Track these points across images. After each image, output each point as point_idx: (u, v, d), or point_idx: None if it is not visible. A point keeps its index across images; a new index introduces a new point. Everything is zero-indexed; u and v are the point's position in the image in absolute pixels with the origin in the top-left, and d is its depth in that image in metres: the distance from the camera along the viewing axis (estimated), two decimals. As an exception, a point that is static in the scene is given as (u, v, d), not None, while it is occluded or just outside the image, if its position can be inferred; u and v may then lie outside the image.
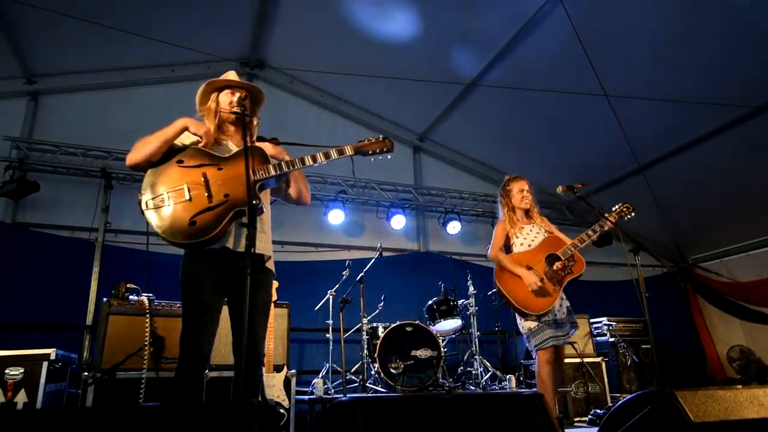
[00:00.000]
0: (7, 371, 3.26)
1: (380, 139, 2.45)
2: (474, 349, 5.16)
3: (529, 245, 3.56)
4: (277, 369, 3.99)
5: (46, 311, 4.85)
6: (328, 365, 4.91)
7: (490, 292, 5.43)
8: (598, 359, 5.39)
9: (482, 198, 7.13)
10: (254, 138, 2.49)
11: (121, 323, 3.73)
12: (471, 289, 5.28)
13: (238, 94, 2.43)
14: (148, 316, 3.75)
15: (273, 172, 2.27)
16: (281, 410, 3.83)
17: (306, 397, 4.23)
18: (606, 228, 3.51)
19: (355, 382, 4.83)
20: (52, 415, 1.30)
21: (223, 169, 2.28)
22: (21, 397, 3.25)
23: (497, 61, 5.58)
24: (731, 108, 5.30)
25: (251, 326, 2.09)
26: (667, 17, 4.66)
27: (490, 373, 5.08)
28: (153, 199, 2.18)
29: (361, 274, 4.76)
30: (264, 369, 3.84)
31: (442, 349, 4.70)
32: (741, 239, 7.26)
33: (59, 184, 5.46)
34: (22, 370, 3.29)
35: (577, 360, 5.28)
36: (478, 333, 5.23)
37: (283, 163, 2.33)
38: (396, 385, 4.50)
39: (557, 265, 3.37)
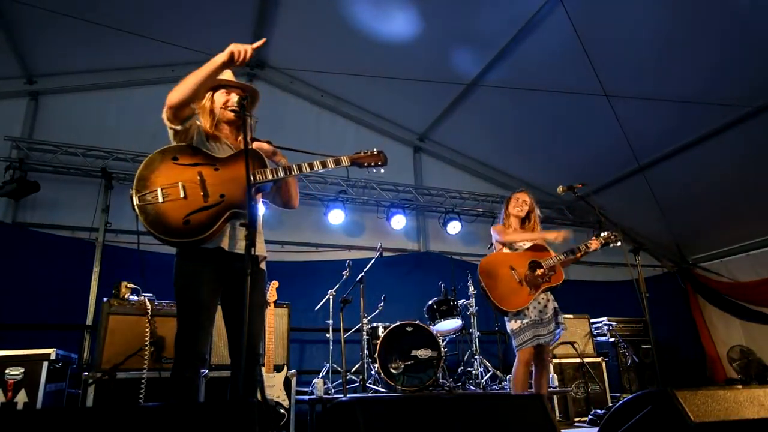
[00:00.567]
0: (7, 371, 3.26)
1: (375, 153, 2.50)
2: (474, 349, 5.16)
3: (516, 249, 3.78)
4: (278, 369, 3.99)
5: (46, 311, 4.85)
6: (328, 365, 4.91)
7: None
8: (599, 359, 5.39)
9: (482, 198, 7.13)
10: (252, 138, 2.49)
11: (121, 323, 3.74)
12: (471, 289, 5.29)
13: (234, 94, 2.43)
14: (148, 316, 3.75)
15: (270, 177, 2.28)
16: (281, 410, 3.83)
17: (306, 397, 4.23)
18: (591, 249, 3.72)
19: (356, 382, 4.83)
20: (52, 415, 1.30)
21: (219, 170, 2.27)
22: (21, 397, 3.25)
23: (497, 61, 5.58)
24: (731, 108, 5.30)
25: (249, 326, 2.09)
26: (668, 17, 4.66)
27: (490, 373, 5.08)
28: (146, 195, 2.15)
29: (362, 274, 4.76)
30: (264, 369, 3.85)
31: (442, 349, 4.70)
32: (741, 239, 7.26)
33: (59, 184, 5.46)
34: (22, 370, 3.29)
35: (578, 360, 5.29)
36: (479, 333, 5.23)
37: (281, 168, 2.34)
38: (396, 385, 4.51)
39: (538, 271, 3.62)
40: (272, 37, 6.05)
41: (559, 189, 3.76)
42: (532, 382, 3.68)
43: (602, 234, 3.76)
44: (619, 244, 3.73)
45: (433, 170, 7.43)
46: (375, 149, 2.52)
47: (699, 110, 5.34)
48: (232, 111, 2.39)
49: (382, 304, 5.16)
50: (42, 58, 5.50)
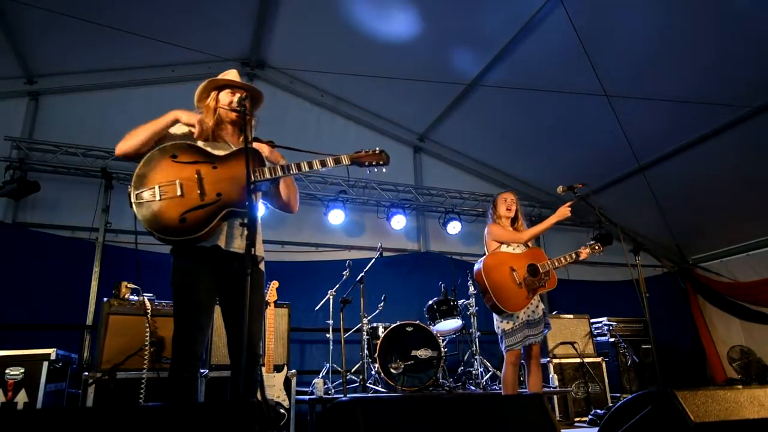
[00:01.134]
0: (7, 371, 3.26)
1: (377, 152, 2.44)
2: (474, 349, 5.16)
3: (514, 249, 3.82)
4: (278, 369, 3.99)
5: (46, 311, 4.85)
6: (328, 365, 4.91)
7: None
8: (599, 359, 5.39)
9: (482, 198, 7.13)
10: (251, 138, 2.49)
11: (121, 323, 3.74)
12: (471, 289, 5.28)
13: (238, 94, 2.43)
14: (148, 316, 3.75)
15: (269, 176, 2.26)
16: (281, 410, 3.83)
17: (306, 397, 4.23)
18: (581, 258, 3.81)
19: (356, 382, 4.84)
20: (52, 415, 1.30)
21: (217, 168, 2.27)
22: (21, 397, 3.25)
23: (497, 61, 5.58)
24: (731, 108, 5.30)
25: (249, 326, 2.09)
26: (668, 17, 4.66)
27: (490, 373, 5.08)
28: (144, 192, 2.15)
29: (362, 274, 4.77)
30: (264, 369, 3.85)
31: (442, 349, 4.70)
32: (741, 239, 7.26)
33: (60, 184, 5.46)
34: (22, 370, 3.29)
35: (578, 360, 5.29)
36: (479, 333, 5.23)
37: (279, 167, 2.31)
38: (396, 385, 4.51)
39: (537, 275, 3.69)
40: (272, 37, 6.06)
41: (559, 189, 3.78)
42: (526, 381, 3.73)
43: (589, 243, 3.91)
44: (601, 253, 3.88)
45: (433, 170, 7.43)
46: (377, 148, 2.46)
47: (699, 110, 5.34)
48: (232, 110, 2.39)
49: (382, 304, 5.16)
50: (42, 58, 5.50)
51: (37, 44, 5.31)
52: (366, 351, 4.80)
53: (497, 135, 7.01)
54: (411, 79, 5.81)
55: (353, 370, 4.93)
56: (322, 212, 6.33)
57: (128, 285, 3.93)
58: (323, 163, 2.35)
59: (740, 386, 2.05)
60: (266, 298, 3.87)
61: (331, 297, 5.00)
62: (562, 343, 5.36)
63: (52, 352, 3.41)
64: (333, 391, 4.58)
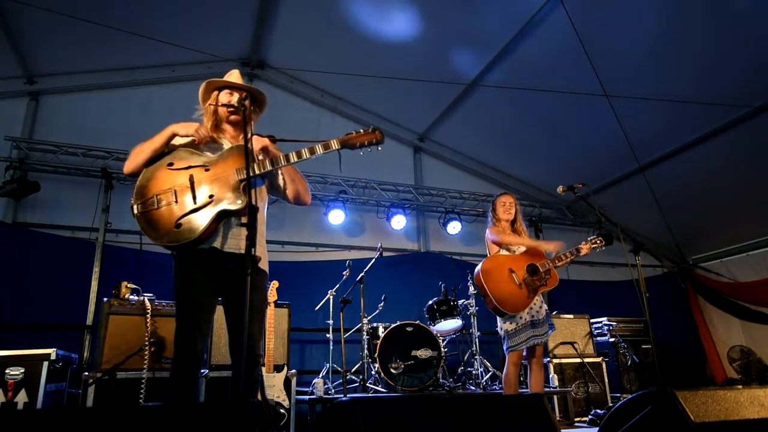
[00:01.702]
0: (7, 371, 3.26)
1: (369, 131, 2.36)
2: (474, 349, 5.16)
3: (513, 251, 3.83)
4: (278, 369, 3.99)
5: (46, 311, 4.85)
6: (328, 365, 4.91)
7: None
8: (599, 359, 5.39)
9: (482, 198, 7.13)
10: (249, 137, 2.48)
11: (121, 323, 3.74)
12: (471, 289, 5.28)
13: (237, 94, 2.42)
14: (148, 316, 3.75)
15: (258, 171, 2.26)
16: (281, 410, 3.83)
17: (306, 397, 4.23)
18: (581, 254, 3.77)
19: (356, 382, 4.84)
20: (52, 415, 1.30)
21: (209, 170, 2.28)
22: (21, 397, 3.25)
23: (497, 61, 5.58)
24: (731, 108, 5.30)
25: (248, 327, 2.09)
26: (668, 17, 4.66)
27: (490, 373, 5.08)
28: (143, 202, 2.22)
29: (362, 274, 4.76)
30: (264, 369, 3.85)
31: (442, 349, 4.70)
32: (741, 239, 7.26)
33: (60, 184, 5.46)
34: (22, 370, 3.30)
35: (578, 360, 5.29)
36: (479, 333, 5.23)
37: (267, 160, 2.30)
38: (396, 385, 4.50)
39: (536, 275, 3.67)
40: (272, 37, 6.06)
41: (559, 189, 3.77)
42: (529, 381, 3.73)
43: (590, 238, 3.86)
44: (604, 248, 3.83)
45: (433, 170, 7.43)
46: (370, 126, 2.38)
47: (699, 110, 5.34)
48: (224, 105, 2.39)
49: (382, 304, 5.15)
50: (42, 58, 5.50)
51: (37, 44, 5.31)
52: (366, 351, 4.80)
53: (497, 135, 7.01)
54: (411, 79, 5.81)
55: (353, 370, 4.93)
56: (322, 212, 6.33)
57: (128, 285, 3.93)
58: (312, 151, 2.30)
59: (740, 386, 2.05)
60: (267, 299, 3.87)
61: (331, 297, 5.00)
62: (562, 343, 5.36)
63: (52, 352, 3.41)
64: (333, 391, 4.58)
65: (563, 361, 5.25)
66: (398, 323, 4.73)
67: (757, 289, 7.01)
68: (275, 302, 4.13)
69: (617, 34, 4.92)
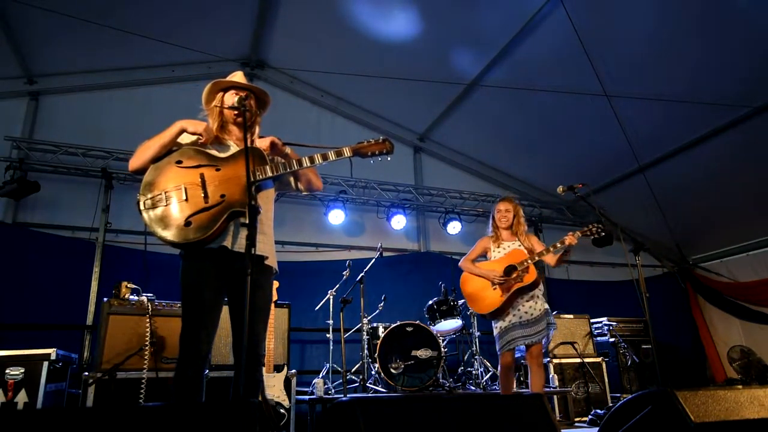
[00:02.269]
0: (7, 371, 3.26)
1: (380, 141, 2.41)
2: (474, 349, 5.16)
3: (496, 256, 3.92)
4: (278, 369, 3.99)
5: (46, 311, 4.85)
6: (328, 365, 4.91)
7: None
8: (599, 359, 5.39)
9: (482, 198, 7.13)
10: (255, 137, 2.49)
11: (121, 323, 3.74)
12: (471, 289, 5.28)
13: (240, 94, 2.42)
14: (148, 316, 3.75)
15: (270, 173, 2.27)
16: (281, 410, 3.83)
17: (306, 397, 4.23)
18: (567, 243, 3.71)
19: (356, 382, 4.84)
20: (52, 415, 1.30)
21: (221, 170, 2.28)
22: (21, 397, 3.25)
23: (498, 61, 5.58)
24: (731, 108, 5.30)
25: (251, 327, 2.08)
26: (668, 17, 4.66)
27: (490, 373, 5.08)
28: (151, 199, 2.19)
29: (362, 274, 4.76)
30: (264, 369, 3.85)
31: (442, 349, 4.70)
32: (741, 239, 7.26)
33: (60, 184, 5.46)
34: (22, 370, 3.29)
35: (578, 360, 5.29)
36: (479, 333, 5.23)
37: (280, 165, 2.32)
38: (396, 385, 4.51)
39: (513, 274, 3.70)
40: (272, 37, 6.06)
41: (559, 189, 3.77)
42: (529, 381, 3.75)
43: (581, 229, 3.80)
44: (603, 234, 3.77)
45: (433, 170, 7.43)
46: (380, 137, 2.42)
47: (699, 110, 5.34)
48: (231, 108, 2.39)
49: (382, 304, 5.16)
50: (42, 58, 5.50)
51: (37, 44, 5.31)
52: (366, 351, 4.80)
53: (497, 135, 7.01)
54: (411, 79, 5.81)
55: (353, 370, 4.93)
56: (322, 212, 6.33)
57: (128, 285, 3.93)
58: (324, 157, 2.34)
59: (740, 386, 2.05)
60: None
61: (331, 297, 5.00)
62: (562, 343, 5.36)
63: (52, 352, 3.41)
64: (333, 391, 4.58)
65: (563, 361, 5.25)
66: (398, 323, 4.73)
67: (757, 289, 7.01)
68: (275, 302, 4.12)
69: (617, 34, 4.92)
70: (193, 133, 2.33)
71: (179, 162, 2.28)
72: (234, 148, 2.41)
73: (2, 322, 4.58)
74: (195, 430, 1.35)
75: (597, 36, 4.88)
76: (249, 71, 6.46)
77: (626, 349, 5.74)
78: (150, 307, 3.80)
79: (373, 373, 4.72)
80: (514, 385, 3.78)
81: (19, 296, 4.81)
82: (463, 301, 5.29)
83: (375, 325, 4.89)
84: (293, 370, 4.12)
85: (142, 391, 3.55)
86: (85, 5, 4.87)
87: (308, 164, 2.33)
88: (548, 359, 5.18)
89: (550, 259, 3.77)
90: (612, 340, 5.90)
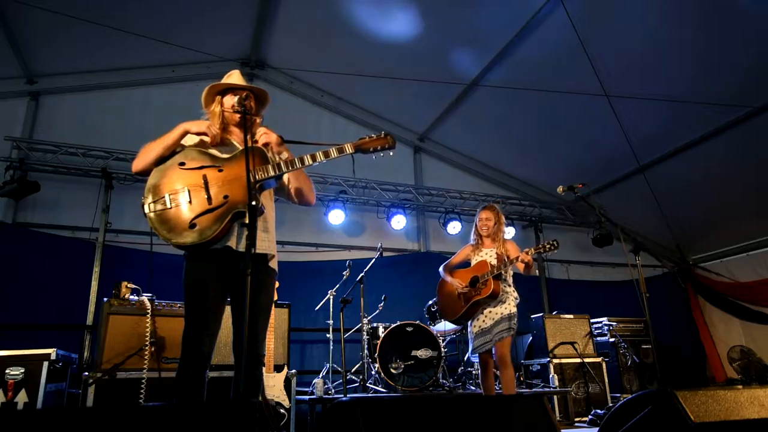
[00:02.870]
0: (7, 371, 3.26)
1: (381, 136, 2.38)
2: (469, 349, 5.15)
3: (473, 263, 3.99)
4: (278, 369, 3.99)
5: (46, 311, 4.85)
6: (328, 365, 4.91)
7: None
8: (599, 359, 5.39)
9: (482, 198, 7.13)
10: (252, 138, 2.48)
11: (121, 323, 3.73)
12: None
13: (240, 95, 2.42)
14: (149, 316, 3.75)
15: (272, 173, 2.26)
16: (281, 410, 3.83)
17: (306, 397, 4.23)
18: (520, 260, 3.67)
19: (356, 382, 4.84)
20: (52, 415, 1.30)
21: (223, 171, 2.28)
22: (21, 397, 3.25)
23: (498, 61, 5.58)
24: (731, 108, 5.30)
25: (252, 326, 2.08)
26: (668, 17, 4.66)
27: (490, 374, 5.07)
28: (155, 202, 2.19)
29: (362, 274, 4.76)
30: (264, 369, 3.84)
31: (442, 349, 4.70)
32: (741, 239, 7.26)
33: (60, 184, 5.46)
34: (22, 370, 3.29)
35: (578, 360, 5.29)
36: (479, 333, 5.22)
37: (282, 163, 2.30)
38: (396, 386, 4.51)
39: (478, 286, 3.81)
40: (272, 37, 6.06)
41: (559, 189, 3.77)
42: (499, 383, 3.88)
43: (542, 244, 3.77)
44: (551, 251, 3.74)
45: (433, 170, 7.43)
46: (382, 132, 2.40)
47: (699, 110, 5.34)
48: (235, 112, 2.38)
49: (382, 304, 5.15)
50: (42, 58, 5.50)
51: (37, 44, 5.31)
52: (366, 351, 4.80)
53: (497, 135, 7.01)
54: (411, 79, 5.81)
55: (353, 370, 4.93)
56: (322, 212, 6.33)
57: (128, 285, 3.93)
58: (326, 154, 2.31)
59: (740, 386, 2.05)
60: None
61: (331, 297, 4.99)
62: (562, 343, 5.36)
63: (52, 352, 3.41)
64: (333, 391, 4.58)
65: (563, 361, 5.25)
66: (398, 323, 4.73)
67: (757, 289, 7.01)
68: (275, 302, 4.12)
69: (617, 34, 4.92)
70: (198, 133, 2.32)
71: (182, 164, 2.28)
72: (237, 148, 2.41)
73: (2, 322, 4.58)
74: (195, 430, 1.35)
75: (597, 36, 4.88)
76: (249, 71, 6.47)
77: (626, 349, 5.74)
78: (150, 307, 3.80)
79: (373, 373, 4.72)
80: (494, 384, 3.90)
81: (19, 296, 4.81)
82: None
83: (375, 325, 4.89)
84: (293, 370, 4.11)
85: (142, 391, 3.55)
86: (85, 5, 4.87)
87: (310, 162, 2.32)
88: (548, 359, 5.18)
89: (519, 266, 3.79)
90: (612, 340, 5.90)
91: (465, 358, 5.39)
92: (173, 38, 5.49)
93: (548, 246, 3.67)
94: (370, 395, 4.50)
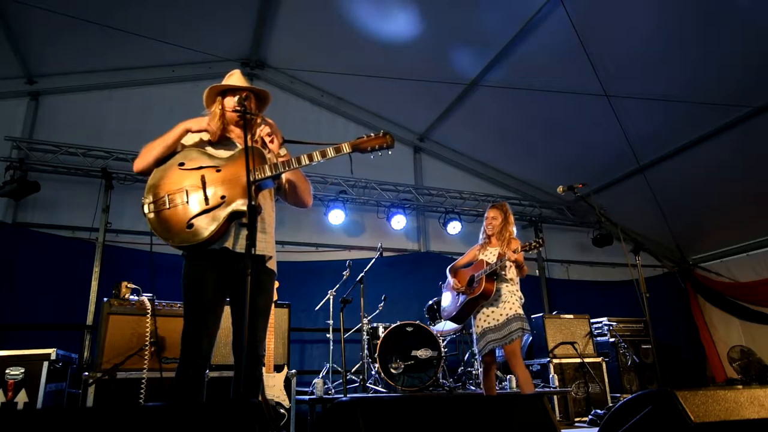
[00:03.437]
0: (7, 371, 3.26)
1: (380, 135, 2.35)
2: (474, 349, 5.15)
3: (474, 262, 3.98)
4: (278, 369, 3.99)
5: (46, 311, 4.86)
6: (328, 365, 4.91)
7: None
8: (599, 359, 5.39)
9: (482, 198, 7.13)
10: (251, 139, 2.47)
11: (121, 323, 3.73)
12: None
13: (239, 95, 2.41)
14: (149, 316, 3.75)
15: (269, 173, 2.25)
16: (281, 410, 3.83)
17: (306, 397, 4.23)
18: (507, 258, 3.65)
19: (356, 382, 4.84)
20: (52, 415, 1.30)
21: (221, 171, 2.28)
22: (21, 397, 3.25)
23: (498, 61, 5.58)
24: (731, 108, 5.30)
25: (251, 327, 2.08)
26: (668, 17, 4.66)
27: (490, 374, 5.08)
28: (154, 202, 2.20)
29: (362, 274, 4.76)
30: (264, 369, 3.84)
31: (442, 349, 4.70)
32: (741, 239, 7.26)
33: (60, 184, 5.46)
34: (22, 370, 3.29)
35: (578, 360, 5.29)
36: (479, 333, 5.22)
37: (279, 163, 2.29)
38: (396, 385, 4.51)
39: (474, 285, 3.83)
40: (272, 37, 6.06)
41: (559, 189, 3.77)
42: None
43: (523, 245, 3.69)
44: (542, 245, 3.72)
45: (433, 170, 7.44)
46: (381, 131, 2.38)
47: (699, 110, 5.34)
48: (234, 111, 2.38)
49: (382, 304, 5.15)
50: (42, 58, 5.50)
51: (37, 44, 5.31)
52: (366, 351, 4.80)
53: (497, 135, 7.01)
54: (411, 79, 5.81)
55: (353, 370, 4.93)
56: (322, 212, 6.33)
57: (128, 285, 3.93)
58: (323, 154, 2.29)
59: (740, 386, 2.05)
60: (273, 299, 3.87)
61: (331, 297, 5.00)
62: (562, 343, 5.36)
63: (52, 352, 3.41)
64: (333, 391, 4.58)
65: (563, 361, 5.25)
66: (398, 323, 4.73)
67: (757, 289, 7.01)
68: (275, 302, 4.12)
69: (617, 34, 4.92)
70: (199, 131, 2.32)
71: (182, 164, 2.29)
72: (237, 147, 2.41)
73: (2, 322, 4.58)
74: (195, 430, 1.35)
75: (597, 36, 4.88)
76: (249, 71, 6.47)
77: (626, 349, 5.74)
78: (150, 307, 3.80)
79: (373, 373, 4.72)
80: (495, 385, 3.87)
81: (19, 296, 4.81)
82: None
83: (375, 325, 4.89)
84: (293, 370, 4.11)
85: (142, 391, 3.55)
86: (85, 5, 4.87)
87: (307, 162, 2.30)
88: (548, 359, 5.18)
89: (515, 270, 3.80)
90: (612, 340, 5.90)
91: (465, 358, 5.40)
92: (173, 38, 5.49)
93: (534, 244, 3.63)
94: (370, 395, 4.50)
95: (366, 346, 4.81)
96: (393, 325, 4.71)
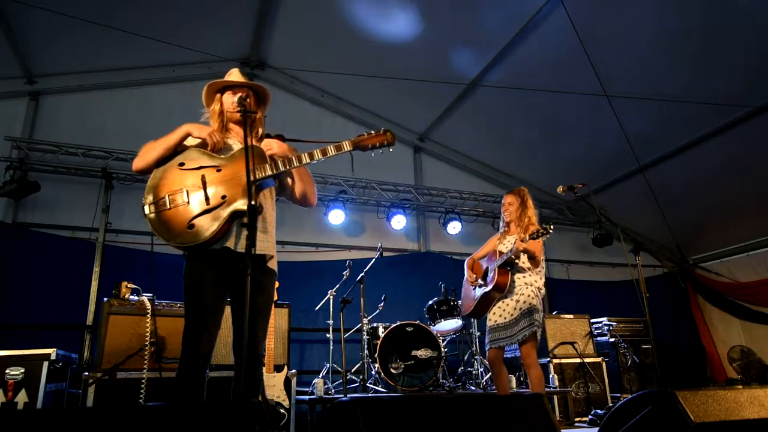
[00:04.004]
0: (7, 371, 3.26)
1: (381, 132, 2.36)
2: (474, 349, 5.16)
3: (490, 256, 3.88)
4: (278, 369, 3.99)
5: (46, 311, 4.85)
6: (328, 365, 4.91)
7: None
8: (599, 359, 5.39)
9: (483, 198, 7.13)
10: (260, 135, 2.47)
11: (121, 323, 3.73)
12: (471, 289, 5.28)
13: (239, 94, 2.41)
14: (149, 316, 3.75)
15: (269, 172, 2.25)
16: (281, 410, 3.83)
17: (306, 397, 4.23)
18: (516, 249, 3.49)
19: (356, 382, 4.84)
20: (52, 415, 1.30)
21: (221, 171, 2.27)
22: (21, 397, 3.25)
23: (498, 61, 5.58)
24: (731, 108, 5.30)
25: (251, 327, 2.08)
26: (668, 17, 4.66)
27: (490, 374, 5.08)
28: (155, 203, 2.20)
29: (362, 274, 4.76)
30: (264, 369, 3.84)
31: (442, 349, 4.70)
32: (741, 239, 7.26)
33: (60, 184, 5.46)
34: (22, 370, 3.29)
35: (578, 360, 5.29)
36: (479, 333, 5.23)
37: (279, 161, 2.29)
38: (396, 385, 4.51)
39: (489, 277, 3.70)
40: (272, 37, 6.06)
41: (559, 189, 3.74)
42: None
43: (537, 228, 3.47)
44: (550, 232, 3.40)
45: (433, 170, 7.44)
46: (381, 128, 2.38)
47: (699, 110, 5.34)
48: (235, 111, 2.37)
49: (382, 304, 5.15)
50: (42, 58, 5.50)
51: (37, 44, 5.31)
52: (366, 351, 4.80)
53: (497, 135, 7.01)
54: (411, 79, 5.81)
55: (353, 370, 4.93)
56: (322, 212, 6.33)
57: (128, 285, 3.93)
58: (324, 152, 2.28)
59: (740, 386, 2.05)
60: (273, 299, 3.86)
61: (331, 297, 5.00)
62: (562, 343, 5.36)
63: (52, 352, 3.41)
64: (333, 391, 4.58)
65: (563, 361, 5.25)
66: (398, 323, 4.73)
67: (757, 289, 7.01)
68: (275, 302, 4.12)
69: (617, 34, 4.92)
70: (198, 138, 2.32)
71: (182, 164, 2.29)
72: (237, 148, 2.40)
73: (2, 322, 4.58)
74: (195, 430, 1.35)
75: (597, 36, 4.88)
76: (249, 71, 6.46)
77: (626, 349, 5.74)
78: (150, 307, 3.80)
79: (373, 373, 4.72)
80: (506, 377, 3.74)
81: (19, 296, 4.81)
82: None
83: (375, 325, 4.89)
84: (293, 370, 4.11)
85: (142, 391, 3.55)
86: (85, 5, 4.87)
87: (308, 160, 2.30)
88: (548, 359, 5.18)
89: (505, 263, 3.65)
90: (612, 340, 5.90)
91: (465, 358, 5.40)
92: (173, 38, 5.49)
93: (541, 230, 3.38)
94: (370, 395, 4.50)
95: (366, 346, 4.81)
96: (393, 325, 4.71)
